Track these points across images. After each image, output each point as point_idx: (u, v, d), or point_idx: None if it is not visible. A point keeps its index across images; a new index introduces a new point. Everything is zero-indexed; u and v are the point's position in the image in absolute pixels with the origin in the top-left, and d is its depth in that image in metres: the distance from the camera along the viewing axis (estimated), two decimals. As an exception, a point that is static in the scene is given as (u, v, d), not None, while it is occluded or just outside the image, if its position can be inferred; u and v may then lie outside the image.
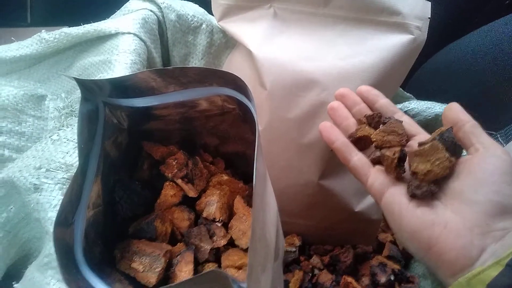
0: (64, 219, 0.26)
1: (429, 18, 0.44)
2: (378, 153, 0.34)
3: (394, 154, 0.32)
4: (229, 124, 0.39)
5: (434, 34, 0.45)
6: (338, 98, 0.39)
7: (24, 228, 0.37)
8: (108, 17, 0.51)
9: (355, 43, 0.45)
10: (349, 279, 0.46)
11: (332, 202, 0.49)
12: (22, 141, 0.46)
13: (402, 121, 0.34)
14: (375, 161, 0.35)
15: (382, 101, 0.37)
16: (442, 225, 0.28)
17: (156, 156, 0.38)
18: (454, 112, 0.33)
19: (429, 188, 0.30)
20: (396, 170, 0.32)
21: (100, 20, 0.49)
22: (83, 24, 0.47)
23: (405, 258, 0.56)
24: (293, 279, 0.49)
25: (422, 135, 0.35)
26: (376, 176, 0.34)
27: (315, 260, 0.52)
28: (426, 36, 0.45)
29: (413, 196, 0.31)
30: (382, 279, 0.46)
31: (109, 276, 0.30)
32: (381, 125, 0.35)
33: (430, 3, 0.45)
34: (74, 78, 0.27)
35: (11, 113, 0.46)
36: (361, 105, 0.38)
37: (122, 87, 0.31)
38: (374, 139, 0.34)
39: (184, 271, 0.32)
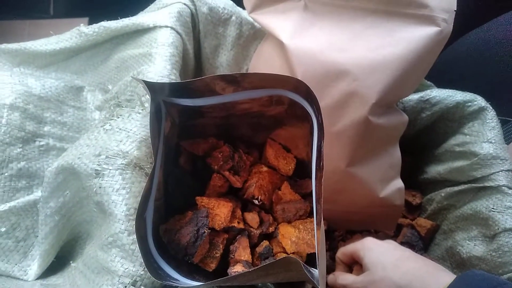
0: (141, 213, 0.29)
1: (455, 10, 0.46)
2: None
3: None
4: (272, 118, 0.40)
5: (454, 23, 0.47)
6: None
7: (77, 212, 0.40)
8: (128, 8, 0.53)
9: (385, 35, 0.46)
10: None
11: (358, 188, 0.51)
12: (64, 130, 0.48)
13: None
14: None
15: None
16: None
17: (199, 153, 0.40)
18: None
19: None
20: None
21: (119, 12, 0.50)
22: (102, 15, 0.49)
23: (425, 242, 0.58)
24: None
25: None
26: None
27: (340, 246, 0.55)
28: (451, 28, 0.46)
29: None
30: None
31: (173, 262, 0.32)
32: None
33: (456, -5, 0.46)
34: (143, 81, 0.30)
35: (54, 104, 0.48)
36: None
37: (181, 87, 0.33)
38: None
39: (243, 255, 0.35)
